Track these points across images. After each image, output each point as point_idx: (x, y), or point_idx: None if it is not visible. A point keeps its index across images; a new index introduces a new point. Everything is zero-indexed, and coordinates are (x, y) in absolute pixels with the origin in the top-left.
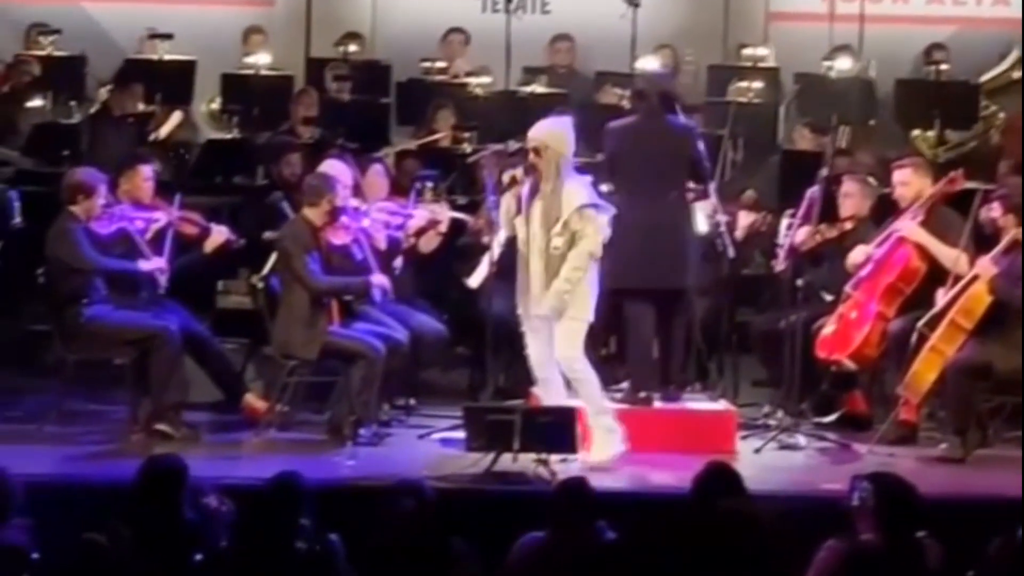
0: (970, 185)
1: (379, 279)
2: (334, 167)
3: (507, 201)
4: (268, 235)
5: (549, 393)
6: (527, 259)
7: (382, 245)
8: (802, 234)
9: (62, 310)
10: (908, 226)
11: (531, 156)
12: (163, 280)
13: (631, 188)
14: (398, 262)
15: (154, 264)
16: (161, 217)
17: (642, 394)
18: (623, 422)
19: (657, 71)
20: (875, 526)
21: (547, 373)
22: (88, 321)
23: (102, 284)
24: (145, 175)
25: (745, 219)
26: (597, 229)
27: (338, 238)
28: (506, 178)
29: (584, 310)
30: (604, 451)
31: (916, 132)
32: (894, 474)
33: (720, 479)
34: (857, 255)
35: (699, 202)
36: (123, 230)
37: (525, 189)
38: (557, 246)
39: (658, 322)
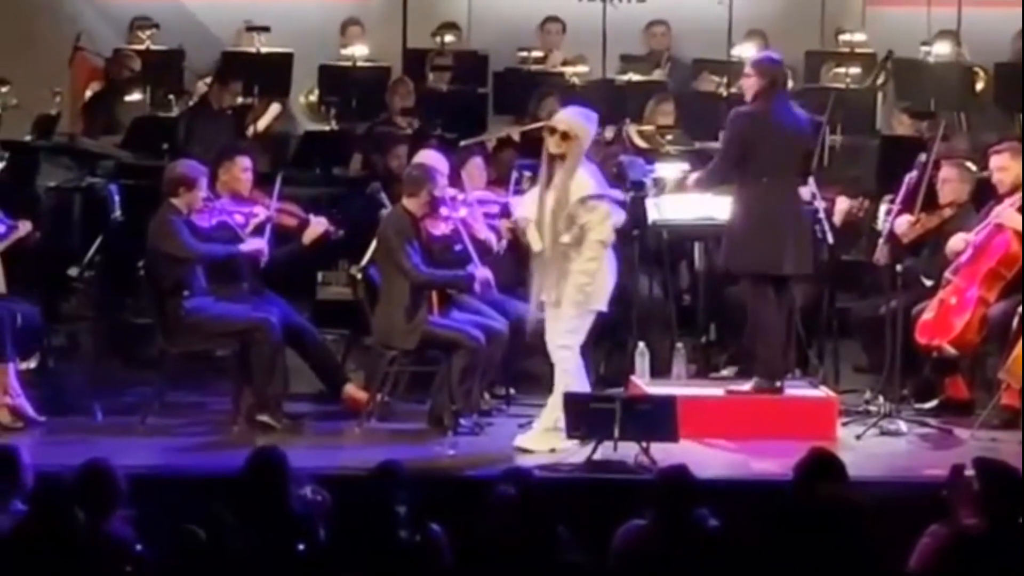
0: None
1: (482, 273)
2: (430, 157)
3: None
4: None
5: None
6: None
7: (482, 235)
8: (903, 225)
9: (163, 303)
10: (1006, 212)
11: (556, 138)
12: (263, 260)
13: (764, 174)
14: (502, 246)
15: (254, 244)
16: (260, 211)
17: (777, 383)
18: (726, 409)
19: (775, 57)
20: (978, 511)
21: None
22: (189, 314)
23: (203, 276)
24: (243, 166)
25: (843, 204)
26: (603, 217)
27: (437, 229)
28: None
29: (590, 301)
30: (541, 443)
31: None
32: (997, 459)
33: (823, 466)
34: (957, 243)
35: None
36: (223, 223)
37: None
38: (565, 240)
39: None
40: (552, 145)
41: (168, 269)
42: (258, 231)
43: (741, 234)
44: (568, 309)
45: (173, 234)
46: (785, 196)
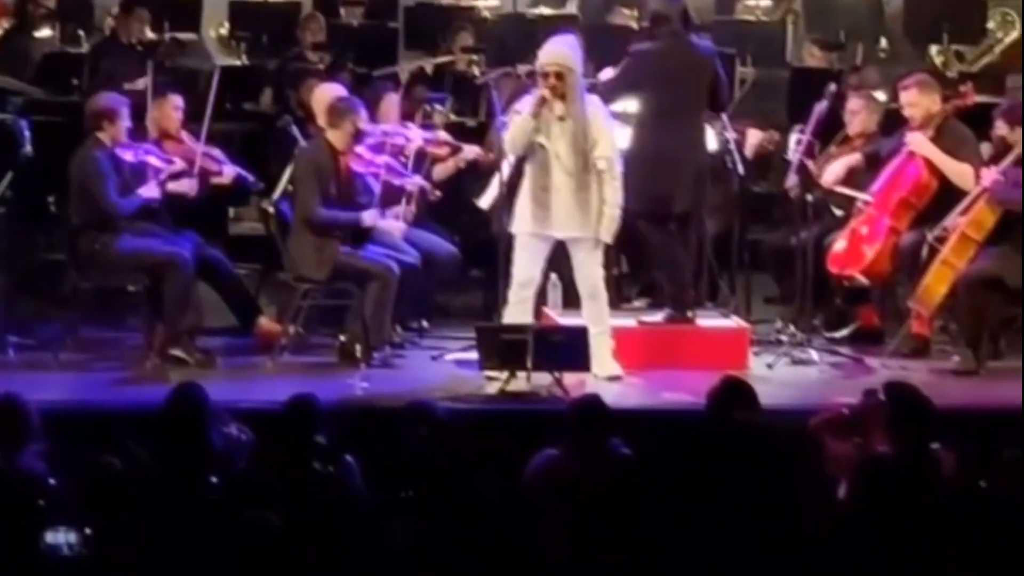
0: (981, 99)
1: (370, 215)
2: (336, 90)
3: (527, 124)
4: None
5: (528, 312)
6: (548, 179)
7: (404, 183)
8: (813, 158)
9: (77, 237)
10: (917, 139)
11: (551, 79)
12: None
13: (660, 114)
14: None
15: (151, 191)
16: (179, 164)
17: (688, 314)
18: (638, 340)
19: None
20: (889, 437)
21: (529, 292)
22: (102, 248)
23: None
24: (175, 104)
25: (754, 137)
26: (615, 143)
27: (358, 164)
28: (535, 101)
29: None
30: (615, 366)
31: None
32: (908, 384)
33: (735, 393)
34: (838, 169)
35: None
36: (144, 164)
37: (544, 110)
38: (602, 168)
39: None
40: (549, 89)
41: (88, 204)
42: (174, 178)
43: (634, 172)
44: (604, 244)
45: (99, 177)
46: (680, 134)
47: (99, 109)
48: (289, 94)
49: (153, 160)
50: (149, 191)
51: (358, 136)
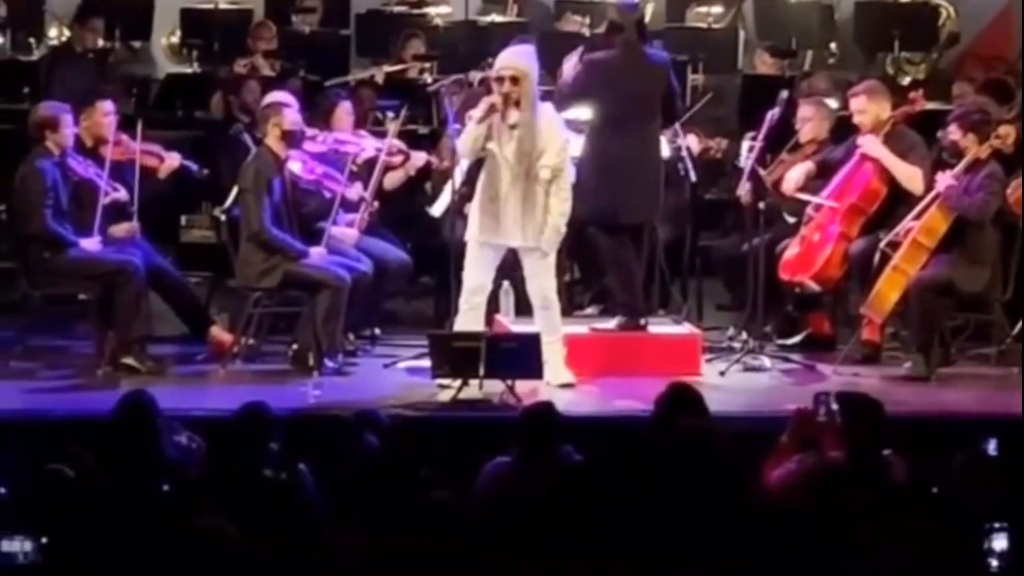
0: (931, 106)
1: (317, 251)
2: (278, 96)
3: (478, 129)
4: None
5: (480, 320)
6: (497, 187)
7: (345, 190)
8: (765, 165)
9: (27, 245)
10: (869, 141)
11: (507, 85)
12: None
13: (613, 123)
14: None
15: (93, 242)
16: (122, 192)
17: (641, 321)
18: (591, 347)
19: (627, 1)
20: (841, 443)
21: (480, 299)
22: (52, 257)
23: (68, 224)
24: (104, 111)
25: (696, 146)
26: (567, 152)
27: (305, 172)
28: (484, 106)
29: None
30: (567, 373)
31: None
32: (860, 392)
33: (682, 399)
34: (797, 175)
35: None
36: (92, 181)
37: (496, 116)
38: (546, 177)
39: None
40: (503, 95)
41: (26, 217)
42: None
43: (586, 180)
44: (552, 254)
45: (37, 194)
46: (634, 143)
47: (39, 119)
48: (232, 100)
49: (98, 180)
50: (90, 244)
51: (289, 138)
